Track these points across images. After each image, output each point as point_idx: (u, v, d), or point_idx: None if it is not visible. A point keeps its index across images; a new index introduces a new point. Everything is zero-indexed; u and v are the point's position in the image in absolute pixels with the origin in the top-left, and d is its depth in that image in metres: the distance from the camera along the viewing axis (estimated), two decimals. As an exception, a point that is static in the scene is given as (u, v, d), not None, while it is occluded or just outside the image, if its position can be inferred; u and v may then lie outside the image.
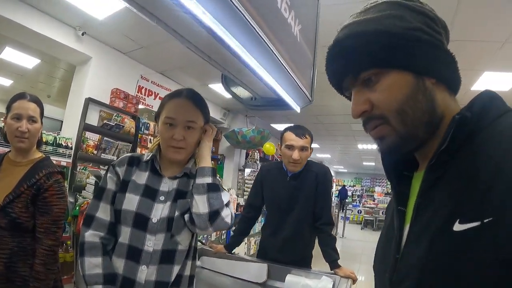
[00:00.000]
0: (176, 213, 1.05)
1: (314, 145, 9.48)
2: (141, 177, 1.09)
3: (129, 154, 1.15)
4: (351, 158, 13.12)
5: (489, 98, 0.49)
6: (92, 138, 3.58)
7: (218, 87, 4.76)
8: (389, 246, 0.56)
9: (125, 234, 1.03)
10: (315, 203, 1.85)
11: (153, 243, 1.02)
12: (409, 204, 0.55)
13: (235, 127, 5.64)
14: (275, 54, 1.01)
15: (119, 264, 1.01)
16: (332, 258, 1.75)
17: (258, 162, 6.12)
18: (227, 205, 1.07)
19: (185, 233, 1.07)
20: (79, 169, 3.26)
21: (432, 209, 0.47)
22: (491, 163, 0.41)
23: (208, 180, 1.07)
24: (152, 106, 4.49)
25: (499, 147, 0.42)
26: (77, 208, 2.60)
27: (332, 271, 1.71)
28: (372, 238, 9.54)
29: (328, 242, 1.82)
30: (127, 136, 3.94)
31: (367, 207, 12.49)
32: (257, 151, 6.18)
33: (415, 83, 0.51)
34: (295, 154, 1.77)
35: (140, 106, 4.26)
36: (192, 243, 1.13)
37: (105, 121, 3.68)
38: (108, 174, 1.10)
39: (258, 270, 1.73)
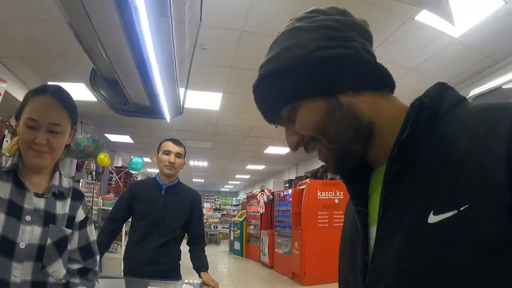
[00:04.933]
0: (49, 241, 0.92)
1: (146, 160, 9.09)
2: (3, 190, 0.89)
3: None
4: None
5: (442, 88, 0.49)
6: None
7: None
8: (356, 246, 0.54)
9: None
10: (193, 224, 2.06)
11: (20, 272, 0.85)
12: (371, 203, 0.54)
13: (67, 134, 4.81)
14: (175, 62, 1.05)
15: None
16: (201, 263, 1.90)
17: (93, 173, 5.39)
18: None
19: (58, 265, 0.94)
20: None
21: (400, 204, 0.46)
22: (458, 150, 0.41)
23: None
24: (-21, 97, 3.63)
25: (463, 133, 0.42)
26: None
27: (198, 275, 1.84)
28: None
29: (201, 253, 2.00)
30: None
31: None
32: (93, 162, 5.46)
33: (326, 105, 0.52)
34: (172, 158, 1.98)
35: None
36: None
37: None
38: None
39: (115, 287, 1.59)
